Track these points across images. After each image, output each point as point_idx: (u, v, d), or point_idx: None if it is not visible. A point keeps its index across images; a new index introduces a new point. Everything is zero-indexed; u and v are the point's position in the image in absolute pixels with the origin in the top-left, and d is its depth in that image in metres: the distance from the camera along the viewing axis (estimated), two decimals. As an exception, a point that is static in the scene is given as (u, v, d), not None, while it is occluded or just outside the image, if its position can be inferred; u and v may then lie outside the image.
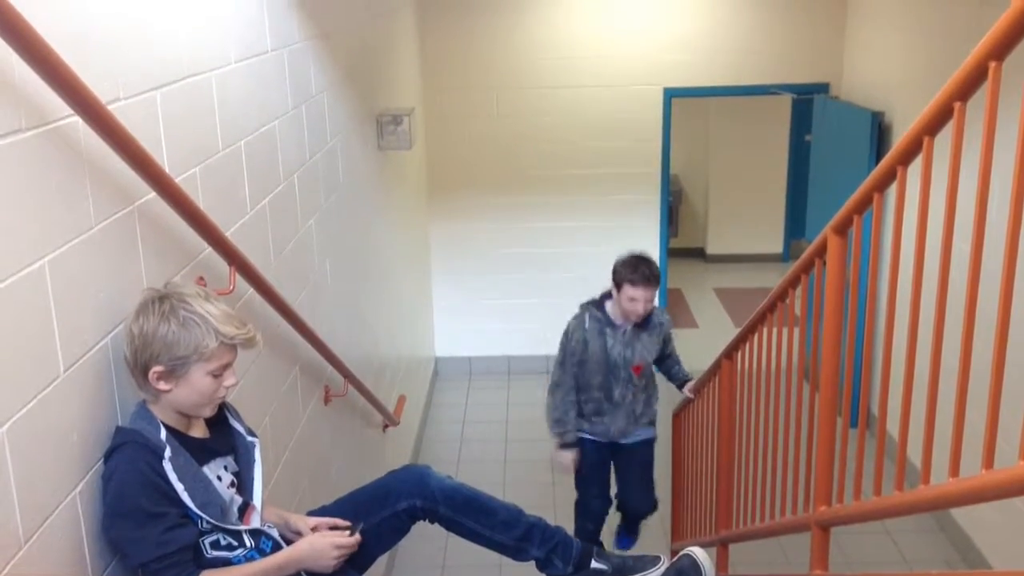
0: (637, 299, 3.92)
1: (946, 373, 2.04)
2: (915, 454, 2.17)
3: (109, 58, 1.79)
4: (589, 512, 4.36)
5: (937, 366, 2.09)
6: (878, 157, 5.27)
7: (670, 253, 6.88)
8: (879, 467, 2.42)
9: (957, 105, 1.92)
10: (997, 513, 4.03)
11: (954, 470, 1.97)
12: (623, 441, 4.28)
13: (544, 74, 6.35)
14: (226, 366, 1.79)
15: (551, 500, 5.20)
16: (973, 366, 1.93)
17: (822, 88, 6.26)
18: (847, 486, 2.63)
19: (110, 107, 1.67)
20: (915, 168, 2.19)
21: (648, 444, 4.35)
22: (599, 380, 4.11)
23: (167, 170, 1.91)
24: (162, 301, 1.72)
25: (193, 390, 1.76)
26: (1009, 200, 1.72)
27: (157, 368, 1.71)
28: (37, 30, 1.37)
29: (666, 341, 4.23)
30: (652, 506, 4.46)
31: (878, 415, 2.44)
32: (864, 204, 2.49)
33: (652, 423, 4.34)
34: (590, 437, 4.25)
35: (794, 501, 3.04)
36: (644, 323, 4.07)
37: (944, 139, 2.02)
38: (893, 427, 2.36)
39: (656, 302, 4.02)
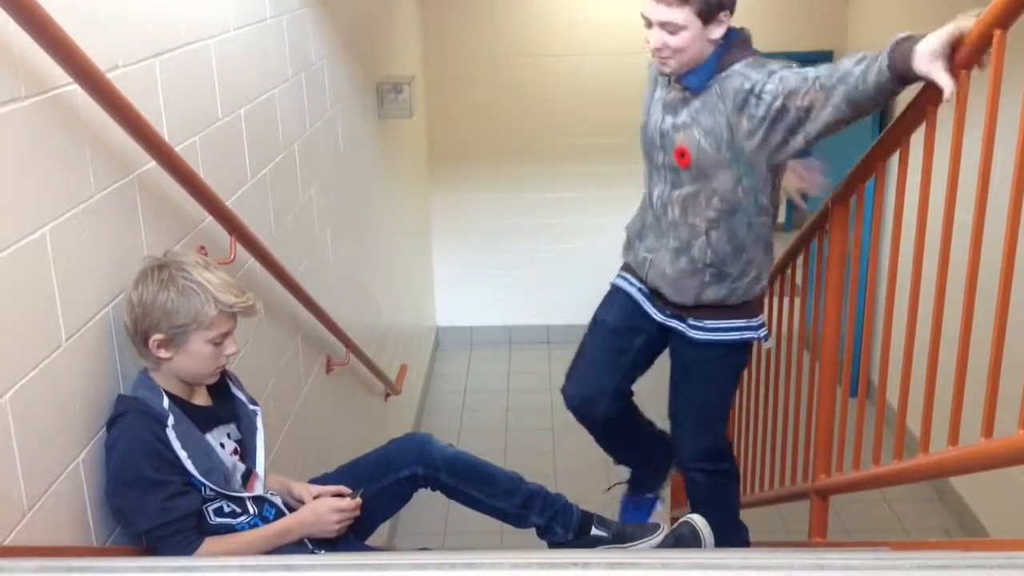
0: (649, 17, 2.38)
1: (946, 342, 2.04)
2: (914, 423, 2.17)
3: (108, 25, 1.77)
4: (567, 399, 2.96)
5: (937, 335, 2.09)
6: (881, 126, 5.24)
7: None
8: (878, 436, 2.43)
9: (962, 73, 1.91)
10: (996, 482, 4.05)
11: (953, 439, 1.98)
12: (675, 324, 2.62)
13: (546, 42, 6.30)
14: (226, 334, 1.80)
15: (551, 468, 5.22)
16: (973, 335, 1.94)
17: (826, 56, 6.20)
18: (846, 455, 2.64)
19: (109, 75, 1.66)
20: (918, 137, 2.18)
21: (726, 350, 2.58)
22: (645, 165, 2.66)
23: (167, 139, 1.90)
24: (161, 269, 1.72)
25: (193, 358, 1.77)
26: (1012, 170, 1.71)
27: (157, 336, 1.71)
28: (34, -3, 1.36)
29: (765, 119, 2.26)
30: (702, 452, 2.73)
31: (878, 384, 2.45)
32: (867, 173, 2.48)
33: (741, 306, 2.53)
34: (621, 278, 2.87)
35: (793, 470, 3.06)
36: (699, 77, 2.38)
37: (948, 108, 2.01)
38: (893, 396, 2.37)
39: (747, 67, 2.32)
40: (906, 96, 2.20)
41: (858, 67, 2.11)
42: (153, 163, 1.88)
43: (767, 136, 2.27)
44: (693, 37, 2.32)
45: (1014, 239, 1.75)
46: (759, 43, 2.43)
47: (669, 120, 2.45)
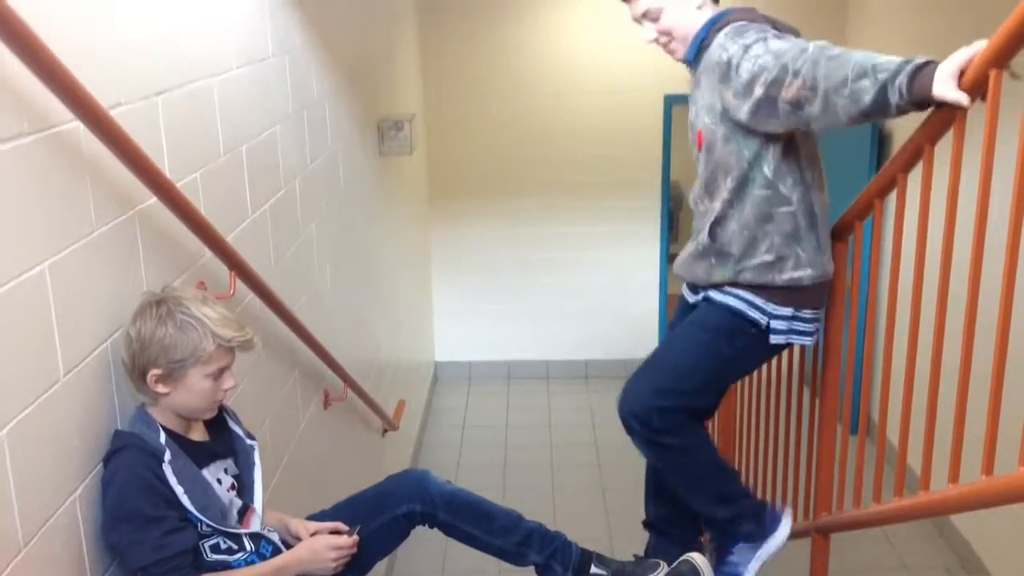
0: (633, 17, 2.44)
1: (946, 379, 2.04)
2: (915, 460, 2.17)
3: (111, 63, 1.79)
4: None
5: (937, 372, 2.09)
6: (879, 164, 5.27)
7: (671, 258, 6.87)
8: (879, 473, 2.42)
9: (957, 113, 1.92)
10: (997, 519, 4.02)
11: (954, 476, 1.97)
12: (692, 296, 2.59)
13: (545, 80, 6.35)
14: (224, 369, 1.79)
15: (550, 505, 5.19)
16: (973, 372, 1.94)
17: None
18: (847, 493, 2.63)
19: (111, 112, 1.67)
20: (915, 175, 2.19)
21: (707, 307, 2.46)
22: None
23: (168, 175, 1.91)
24: (159, 305, 1.72)
25: (192, 393, 1.77)
26: (1009, 208, 1.72)
27: (155, 371, 1.71)
28: (39, 36, 1.38)
29: (747, 98, 2.18)
30: (633, 400, 2.44)
31: (878, 421, 2.44)
32: (865, 211, 2.50)
33: (758, 287, 2.38)
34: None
35: (794, 507, 3.04)
36: (692, 48, 2.37)
37: (944, 147, 2.03)
38: (893, 434, 2.36)
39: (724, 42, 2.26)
40: (901, 134, 2.21)
41: (862, 82, 1.98)
42: (154, 199, 1.88)
43: (754, 112, 2.17)
44: (676, 12, 2.34)
45: (1012, 275, 1.75)
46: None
47: (692, 110, 2.41)
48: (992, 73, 1.77)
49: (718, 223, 2.37)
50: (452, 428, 6.28)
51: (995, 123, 1.80)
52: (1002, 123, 1.81)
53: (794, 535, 3.01)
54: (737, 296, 2.38)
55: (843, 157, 5.63)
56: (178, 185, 1.96)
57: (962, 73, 1.86)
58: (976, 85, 1.83)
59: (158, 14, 2.01)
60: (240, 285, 2.31)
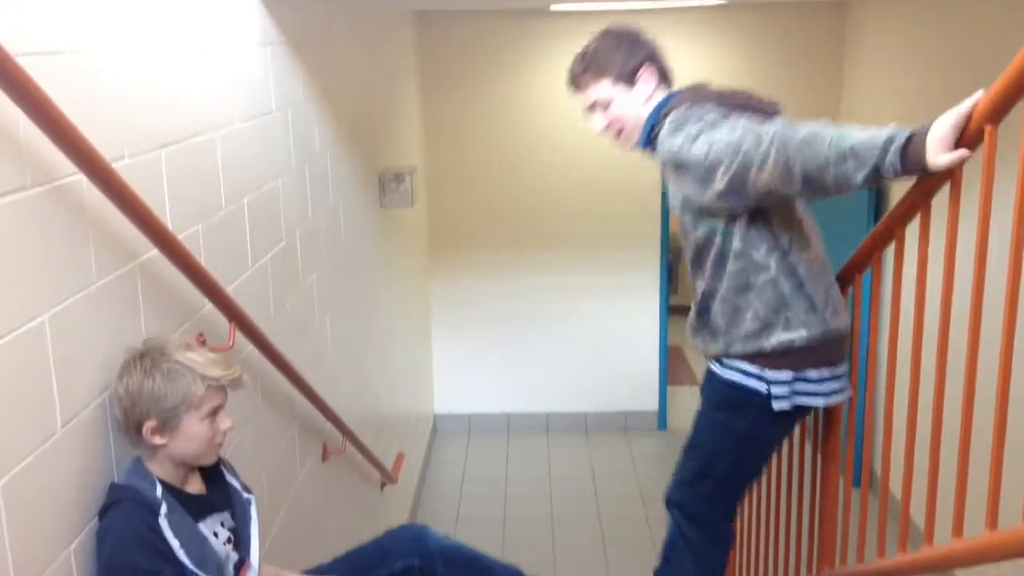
0: (583, 106, 2.48)
1: (948, 431, 2.03)
2: (918, 514, 2.15)
3: (115, 117, 1.81)
4: None
5: (939, 425, 2.08)
6: (877, 214, 5.31)
7: (670, 310, 6.88)
8: (882, 527, 2.40)
9: (954, 167, 1.94)
10: (1001, 574, 3.97)
11: (957, 530, 1.95)
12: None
13: (544, 134, 6.41)
14: (217, 409, 1.79)
15: (551, 560, 5.13)
16: (975, 424, 1.93)
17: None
18: (850, 546, 2.60)
19: (114, 165, 1.69)
20: (913, 229, 2.20)
21: (711, 381, 2.46)
22: None
23: (170, 227, 1.92)
24: (143, 358, 1.73)
25: (190, 439, 1.76)
26: (1007, 260, 1.73)
27: (150, 423, 1.71)
28: (44, 90, 1.40)
29: (686, 198, 2.27)
30: (668, 497, 2.58)
31: (880, 474, 2.42)
32: (863, 263, 2.51)
33: (722, 356, 2.40)
34: None
35: (797, 561, 3.01)
36: (643, 135, 2.39)
37: (942, 200, 2.04)
38: (896, 486, 2.35)
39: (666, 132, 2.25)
40: (899, 186, 2.23)
41: (845, 166, 1.92)
42: (155, 251, 1.89)
43: (721, 197, 2.12)
44: (627, 104, 2.35)
45: (1012, 327, 1.75)
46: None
47: (669, 192, 2.39)
48: (988, 128, 1.79)
49: (704, 301, 2.40)
50: (451, 481, 6.23)
51: (991, 178, 1.81)
52: (998, 177, 1.82)
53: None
54: (733, 368, 2.37)
55: (841, 210, 5.67)
56: (180, 237, 1.97)
57: (960, 133, 1.82)
58: (967, 146, 1.84)
59: (163, 68, 2.04)
60: (239, 337, 2.31)
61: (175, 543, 1.71)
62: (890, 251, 2.35)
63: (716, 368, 2.42)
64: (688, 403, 7.25)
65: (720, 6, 5.98)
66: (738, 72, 6.23)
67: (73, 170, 1.59)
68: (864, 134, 1.93)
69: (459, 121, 6.42)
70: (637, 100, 2.35)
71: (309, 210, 3.24)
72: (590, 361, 6.85)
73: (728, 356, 2.37)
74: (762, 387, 2.33)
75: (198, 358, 1.76)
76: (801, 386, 2.33)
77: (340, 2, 3.85)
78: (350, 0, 4.05)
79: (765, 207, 2.23)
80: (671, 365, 7.31)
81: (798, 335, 2.28)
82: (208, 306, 2.20)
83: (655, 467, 6.30)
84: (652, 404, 6.94)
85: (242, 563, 1.92)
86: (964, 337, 1.91)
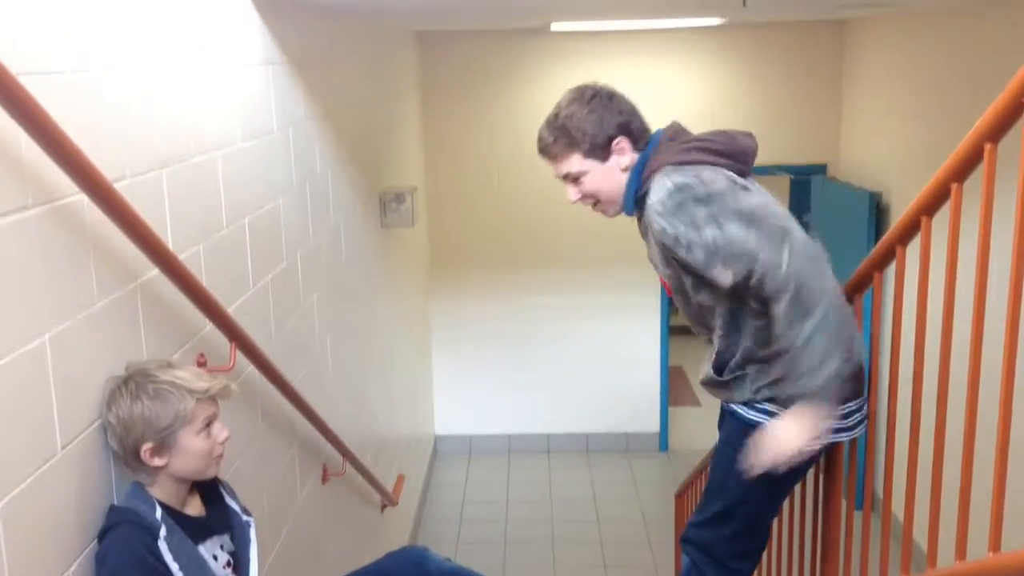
0: (554, 174, 2.41)
1: (950, 454, 2.02)
2: (921, 537, 2.13)
3: (117, 137, 1.81)
4: None
5: (941, 447, 2.07)
6: (877, 237, 5.31)
7: (671, 331, 6.88)
8: (885, 550, 2.39)
9: (954, 186, 1.94)
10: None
11: (960, 553, 1.94)
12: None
13: (545, 154, 6.42)
14: (211, 420, 1.78)
15: (552, 582, 5.10)
16: (977, 447, 1.92)
17: (819, 169, 6.33)
18: (853, 569, 2.59)
19: (116, 185, 1.69)
20: (914, 247, 2.20)
21: (732, 421, 2.38)
22: None
23: (171, 247, 1.92)
24: (128, 383, 1.72)
25: (189, 455, 1.75)
26: (1008, 278, 1.73)
27: (146, 446, 1.70)
28: (46, 110, 1.40)
29: (685, 266, 2.19)
30: (684, 536, 2.54)
31: (883, 497, 2.41)
32: (864, 283, 2.50)
33: (750, 401, 2.32)
34: None
35: (799, 584, 2.99)
36: (628, 202, 2.31)
37: (942, 219, 2.04)
38: (899, 509, 2.33)
39: (659, 190, 2.13)
40: (899, 206, 2.23)
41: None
42: (156, 271, 1.89)
43: (724, 283, 2.11)
44: (601, 178, 2.24)
45: (1014, 349, 1.75)
46: (757, 158, 2.30)
47: (648, 250, 2.34)
48: (987, 147, 1.79)
49: (723, 359, 2.29)
50: (452, 503, 6.20)
51: (991, 195, 1.81)
52: (998, 194, 1.82)
53: None
54: (758, 410, 2.27)
55: (841, 229, 5.67)
56: (181, 257, 1.97)
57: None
58: (967, 166, 1.86)
59: (164, 88, 2.05)
60: (240, 357, 2.30)
61: (174, 566, 1.70)
62: (891, 271, 2.35)
63: (741, 410, 2.32)
64: (689, 424, 7.23)
65: (720, 26, 6.00)
66: (738, 91, 6.25)
67: (75, 190, 1.59)
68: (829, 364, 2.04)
69: (459, 141, 6.44)
70: (611, 171, 2.23)
71: (310, 230, 3.25)
72: (591, 382, 6.83)
73: (756, 401, 2.28)
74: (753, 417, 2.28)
75: (183, 374, 1.76)
76: (832, 423, 2.22)
77: (341, 22, 3.87)
78: (351, 20, 4.07)
79: None
80: (672, 386, 7.29)
81: (791, 392, 2.19)
82: (209, 326, 2.20)
83: (656, 489, 6.27)
84: (653, 425, 6.92)
85: (241, 586, 1.91)
86: (966, 358, 1.91)
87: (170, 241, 2.00)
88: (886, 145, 5.40)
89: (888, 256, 2.36)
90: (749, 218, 2.05)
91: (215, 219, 2.33)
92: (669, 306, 6.81)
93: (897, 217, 2.25)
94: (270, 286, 2.74)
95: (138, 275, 1.87)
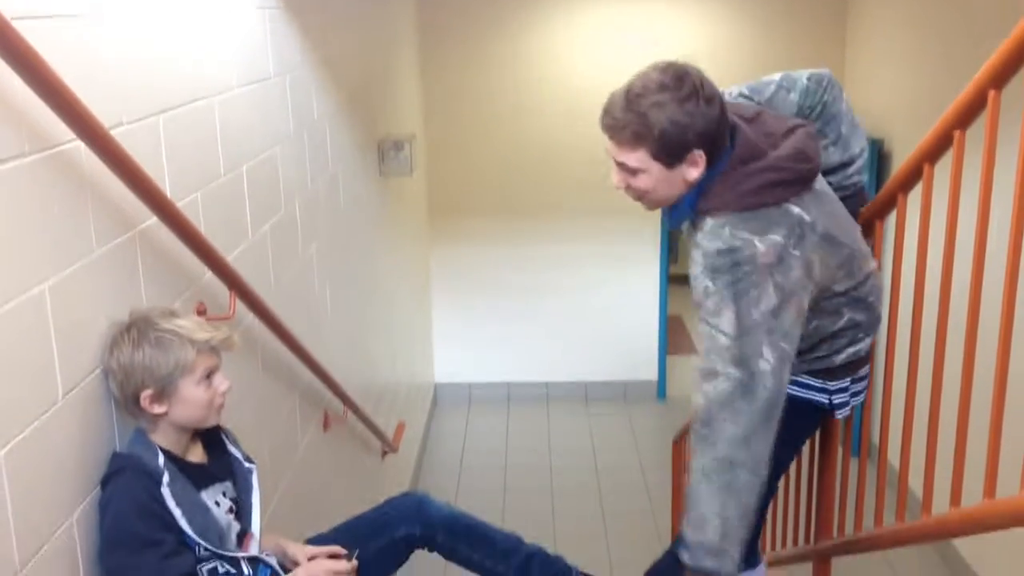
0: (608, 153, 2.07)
1: (947, 401, 2.04)
2: (917, 484, 2.16)
3: (112, 83, 1.79)
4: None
5: (938, 394, 2.08)
6: (878, 184, 5.29)
7: (670, 279, 6.88)
8: (880, 497, 2.41)
9: (957, 133, 1.93)
10: (999, 544, 4.00)
11: (955, 499, 1.96)
12: None
13: (545, 100, 6.37)
14: (212, 371, 1.79)
15: (551, 529, 5.16)
16: (974, 394, 1.93)
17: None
18: (848, 516, 2.62)
19: (112, 132, 1.67)
20: (915, 195, 2.19)
21: None
22: None
23: (169, 195, 1.91)
24: (129, 330, 1.72)
25: (189, 404, 1.76)
26: (1008, 227, 1.72)
27: (147, 393, 1.71)
28: (41, 55, 1.38)
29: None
30: None
31: (879, 445, 2.43)
32: (866, 231, 2.50)
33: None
34: None
35: (795, 531, 3.03)
36: (677, 217, 2.12)
37: (944, 166, 2.03)
38: (894, 457, 2.36)
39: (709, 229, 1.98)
40: (901, 153, 2.22)
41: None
42: (154, 219, 1.88)
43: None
44: (657, 180, 1.98)
45: (1012, 296, 1.75)
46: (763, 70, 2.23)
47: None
48: (991, 93, 1.78)
49: None
50: (451, 450, 6.26)
51: (994, 142, 1.80)
52: (1000, 142, 1.81)
53: (795, 560, 3.00)
54: (798, 383, 2.18)
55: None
56: (179, 205, 1.96)
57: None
58: (971, 112, 1.84)
59: (160, 33, 2.02)
60: (240, 306, 2.30)
61: (177, 512, 1.72)
62: (891, 219, 2.34)
63: None
64: (688, 372, 7.25)
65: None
66: (741, 34, 6.18)
67: (71, 136, 1.58)
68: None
69: (458, 87, 6.38)
70: (674, 180, 1.98)
71: (308, 178, 3.23)
72: (590, 330, 6.86)
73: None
74: (824, 398, 2.23)
75: (185, 323, 1.76)
76: (854, 387, 2.26)
77: (338, -32, 3.81)
78: (348, -34, 4.01)
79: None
80: (671, 335, 7.31)
81: (865, 345, 2.21)
82: (208, 275, 2.20)
83: (654, 436, 6.32)
84: (652, 374, 6.96)
85: (245, 532, 1.93)
86: (965, 306, 1.91)
87: (168, 189, 1.99)
88: (889, 92, 5.35)
89: (889, 204, 2.35)
90: (761, 319, 1.89)
91: (213, 167, 2.31)
92: (668, 255, 6.81)
93: (899, 164, 2.24)
94: (269, 235, 2.74)
95: (136, 223, 1.86)
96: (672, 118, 1.89)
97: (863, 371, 2.29)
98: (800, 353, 2.04)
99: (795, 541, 3.03)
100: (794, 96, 2.22)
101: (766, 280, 1.88)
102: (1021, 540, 3.79)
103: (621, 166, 2.01)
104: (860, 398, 2.34)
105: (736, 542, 1.96)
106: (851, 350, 2.18)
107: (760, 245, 1.89)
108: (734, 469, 1.91)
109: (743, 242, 1.90)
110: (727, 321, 1.89)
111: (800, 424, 2.25)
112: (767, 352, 1.88)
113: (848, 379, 2.24)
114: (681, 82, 1.92)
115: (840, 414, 2.29)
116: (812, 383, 2.22)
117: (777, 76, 2.23)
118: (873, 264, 2.16)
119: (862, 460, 2.61)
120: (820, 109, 2.23)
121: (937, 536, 2.12)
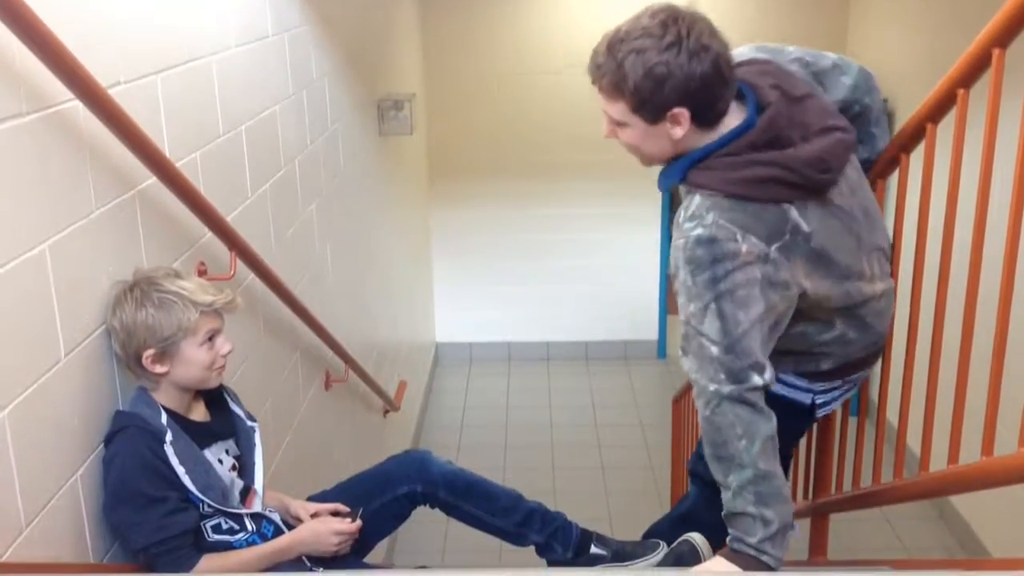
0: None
1: (946, 360, 2.04)
2: (915, 442, 2.17)
3: (110, 42, 1.78)
4: None
5: (937, 353, 2.09)
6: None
7: (671, 240, 6.87)
8: (878, 455, 2.43)
9: (960, 92, 1.92)
10: (997, 501, 4.03)
11: (953, 457, 1.97)
12: None
13: (547, 59, 6.32)
14: (214, 333, 1.80)
15: (551, 486, 5.21)
16: (973, 353, 1.94)
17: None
18: (846, 473, 2.63)
19: (110, 91, 1.66)
20: (917, 155, 2.18)
21: None
22: None
23: (168, 155, 1.90)
24: (133, 289, 1.73)
25: (190, 365, 1.77)
26: (1011, 187, 1.72)
27: (148, 353, 1.72)
28: (38, 13, 1.37)
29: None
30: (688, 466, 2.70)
31: (878, 403, 2.44)
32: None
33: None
34: None
35: (793, 488, 3.05)
36: (666, 179, 2.01)
37: (947, 126, 2.02)
38: (893, 415, 2.37)
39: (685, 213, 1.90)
40: (904, 113, 2.20)
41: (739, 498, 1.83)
42: (154, 179, 1.88)
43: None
44: (643, 136, 1.86)
45: (1013, 256, 1.75)
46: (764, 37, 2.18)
47: None
48: (995, 52, 1.76)
49: None
50: (453, 409, 6.30)
51: (998, 101, 1.79)
52: (1004, 100, 1.80)
53: (794, 516, 3.02)
54: (781, 382, 2.06)
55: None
56: (178, 165, 1.96)
57: None
58: (975, 70, 1.82)
59: (157, -7, 2.00)
60: (240, 266, 2.31)
61: (180, 470, 1.74)
62: (893, 179, 2.33)
63: None
64: (688, 332, 7.27)
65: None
66: (743, -3, 6.12)
67: (69, 96, 1.57)
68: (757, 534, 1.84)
69: (459, 45, 6.33)
70: (659, 136, 1.85)
71: (307, 138, 3.21)
72: (591, 290, 6.86)
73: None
74: (806, 398, 2.15)
75: (188, 285, 1.76)
76: (845, 386, 2.21)
77: (337, -76, 3.76)
78: (347, -79, 3.95)
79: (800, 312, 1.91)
80: (671, 294, 7.32)
81: (856, 356, 2.12)
82: (208, 235, 2.19)
83: (655, 395, 6.36)
84: (652, 333, 6.98)
85: (248, 490, 1.95)
86: (966, 266, 1.91)
87: (167, 148, 1.98)
88: (893, 51, 5.30)
89: (892, 163, 2.34)
90: (749, 325, 1.77)
91: (211, 126, 2.30)
92: (669, 215, 6.79)
93: (902, 123, 2.22)
94: (269, 195, 2.73)
95: (136, 183, 1.86)
96: (648, 69, 1.73)
97: (857, 375, 2.20)
98: (782, 353, 1.94)
99: (793, 497, 3.06)
100: (847, 80, 2.05)
101: (752, 281, 1.76)
102: (1018, 497, 3.82)
103: (608, 116, 1.90)
104: (850, 394, 2.28)
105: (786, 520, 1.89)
106: (841, 362, 2.09)
107: (742, 243, 1.76)
108: (770, 479, 1.82)
109: (726, 234, 1.76)
110: (713, 328, 1.76)
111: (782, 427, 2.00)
112: (761, 358, 1.79)
113: (839, 381, 2.17)
114: (665, 29, 1.74)
115: (821, 412, 2.22)
116: (796, 383, 2.12)
117: (832, 55, 2.08)
118: (880, 287, 2.03)
119: (861, 418, 2.62)
120: (858, 110, 2.10)
121: (934, 493, 2.14)
